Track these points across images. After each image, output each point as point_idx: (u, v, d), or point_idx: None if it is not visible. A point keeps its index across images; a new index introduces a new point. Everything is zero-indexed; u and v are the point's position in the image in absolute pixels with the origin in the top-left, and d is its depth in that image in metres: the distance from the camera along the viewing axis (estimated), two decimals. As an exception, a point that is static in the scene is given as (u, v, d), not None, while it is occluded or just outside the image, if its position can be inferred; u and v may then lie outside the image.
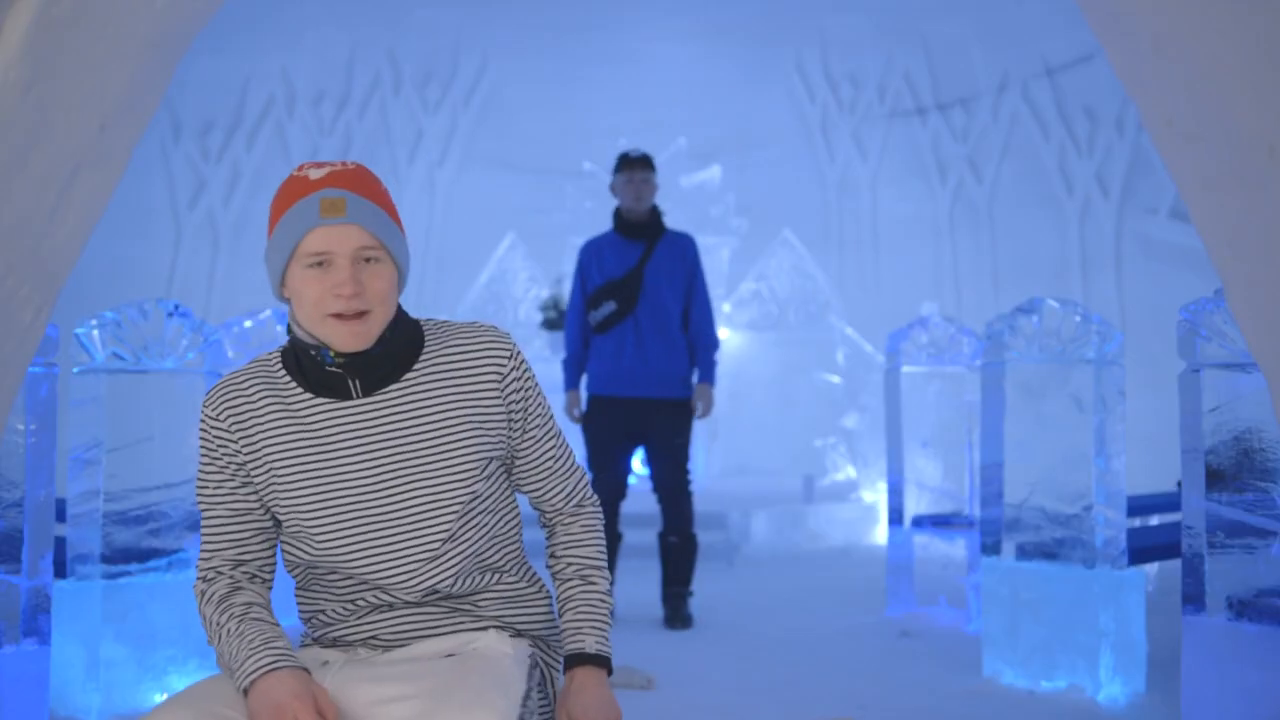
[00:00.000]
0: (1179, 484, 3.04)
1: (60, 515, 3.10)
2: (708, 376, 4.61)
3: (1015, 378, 3.63)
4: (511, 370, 1.65)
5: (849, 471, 8.43)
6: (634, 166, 4.61)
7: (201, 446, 1.65)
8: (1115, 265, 9.40)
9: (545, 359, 8.29)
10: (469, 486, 1.61)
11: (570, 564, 1.74)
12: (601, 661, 1.68)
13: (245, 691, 1.49)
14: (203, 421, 1.64)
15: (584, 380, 4.68)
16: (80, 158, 1.82)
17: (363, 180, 1.59)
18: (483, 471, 1.63)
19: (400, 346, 1.61)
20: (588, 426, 4.60)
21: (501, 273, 9.50)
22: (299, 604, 1.72)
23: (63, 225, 1.85)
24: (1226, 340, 2.87)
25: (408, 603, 1.64)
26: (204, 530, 1.66)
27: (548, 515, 1.79)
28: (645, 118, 10.04)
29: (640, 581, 5.02)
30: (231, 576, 1.64)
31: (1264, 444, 2.82)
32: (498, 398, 1.64)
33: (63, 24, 1.64)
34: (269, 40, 10.00)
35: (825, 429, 8.70)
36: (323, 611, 1.68)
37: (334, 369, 1.58)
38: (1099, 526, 3.42)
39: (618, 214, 4.65)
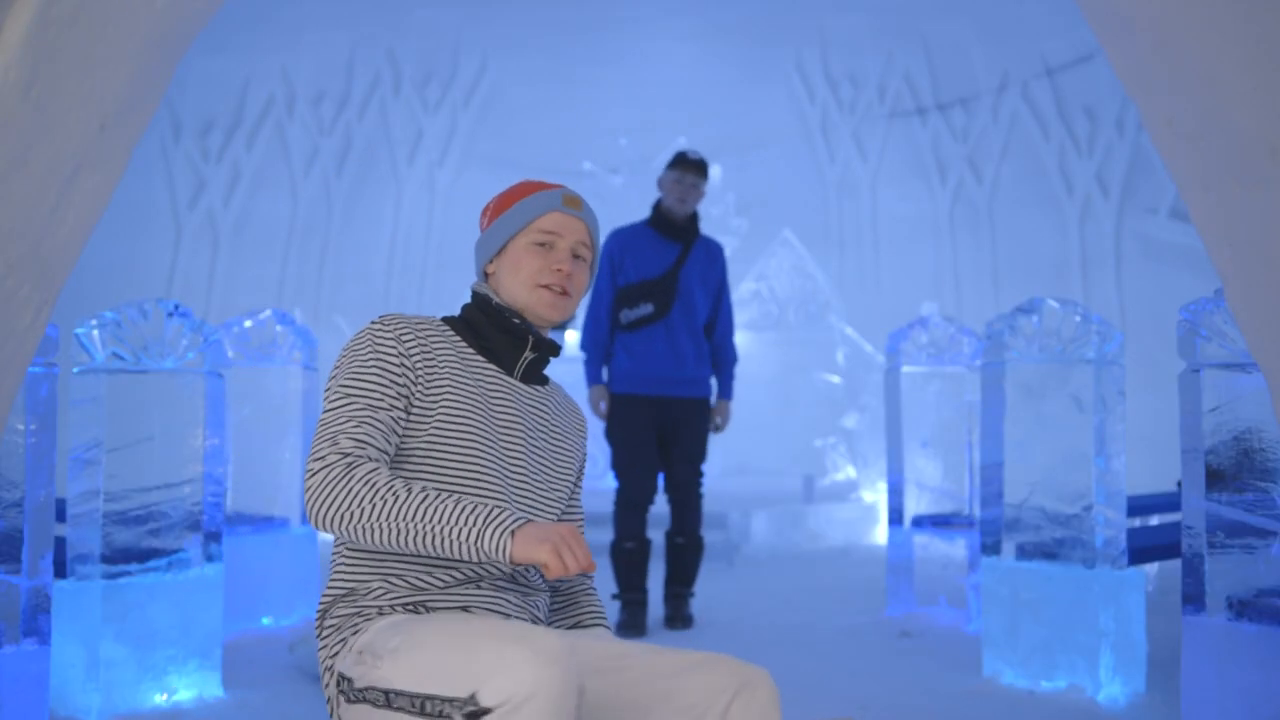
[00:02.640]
0: (1179, 484, 3.04)
1: (60, 515, 3.10)
2: (728, 393, 4.61)
3: (1015, 378, 3.63)
4: (585, 431, 1.96)
5: (849, 471, 8.43)
6: (688, 169, 4.51)
7: (373, 357, 1.68)
8: (1115, 265, 9.40)
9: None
10: (564, 495, 1.85)
11: (602, 629, 1.93)
12: None
13: (512, 533, 1.51)
14: (376, 337, 1.70)
15: (608, 378, 4.53)
16: (80, 158, 1.81)
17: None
18: (565, 501, 1.87)
19: (553, 351, 1.86)
20: (617, 427, 4.46)
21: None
22: (369, 566, 1.69)
23: (63, 225, 1.85)
24: (1226, 340, 2.87)
25: (494, 581, 1.71)
26: (354, 419, 1.63)
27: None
28: (645, 118, 10.04)
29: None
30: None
31: (1264, 444, 2.82)
32: (582, 446, 1.94)
33: (63, 24, 1.64)
34: (269, 40, 9.99)
35: (825, 429, 8.70)
36: (400, 577, 1.66)
37: (534, 336, 1.81)
38: (1099, 526, 3.42)
39: (657, 210, 4.56)
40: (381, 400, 1.66)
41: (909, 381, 4.84)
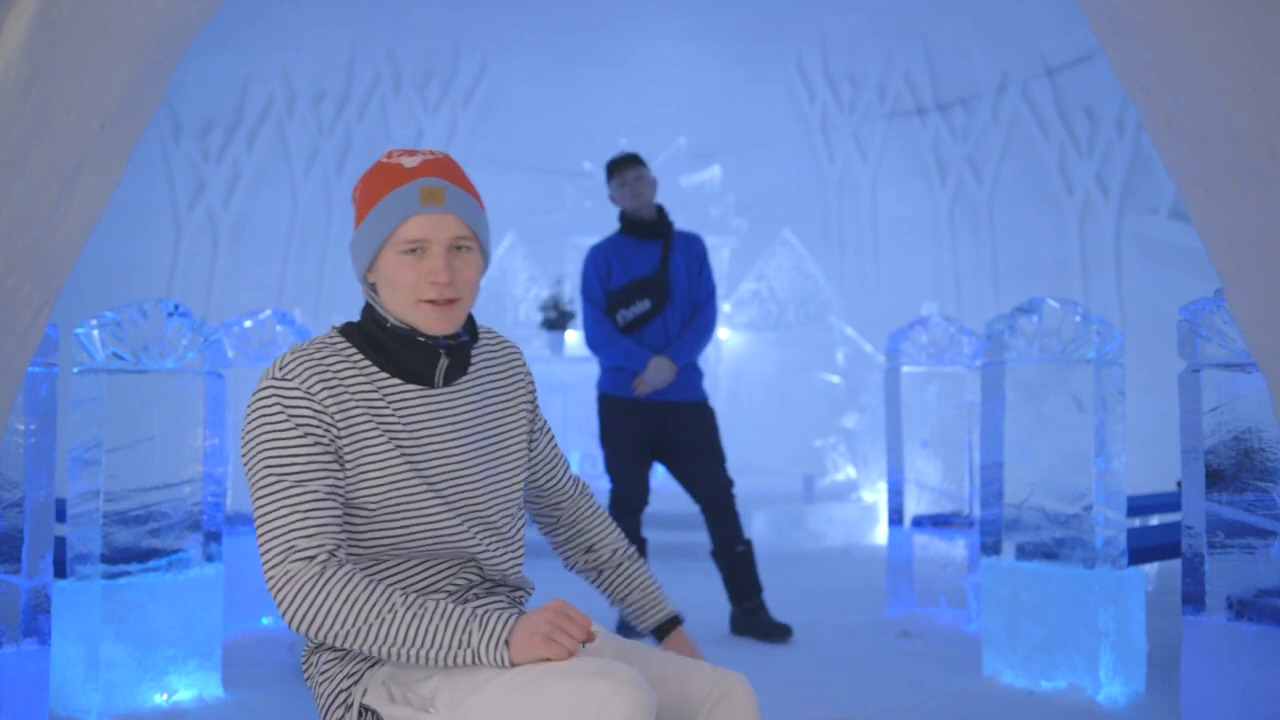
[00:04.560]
0: (1179, 484, 3.04)
1: (60, 515, 3.10)
2: (677, 354, 4.30)
3: (1015, 378, 3.63)
4: (525, 368, 1.81)
5: (849, 471, 8.43)
6: (623, 167, 4.39)
7: (285, 419, 1.53)
8: (1115, 265, 9.39)
9: (545, 359, 8.29)
10: (521, 476, 1.73)
11: (614, 549, 1.91)
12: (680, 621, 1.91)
13: (507, 642, 1.46)
14: (282, 394, 1.54)
15: (599, 378, 4.43)
16: (80, 158, 1.81)
17: (454, 170, 1.65)
18: (526, 463, 1.76)
19: (472, 336, 1.72)
20: (611, 430, 4.36)
21: (501, 273, 9.51)
22: None
23: (63, 225, 1.85)
24: (1226, 340, 2.87)
25: (484, 589, 1.68)
26: (297, 510, 1.51)
27: (563, 505, 1.91)
28: (645, 118, 10.04)
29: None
30: (345, 559, 1.54)
31: (1264, 444, 2.82)
32: (524, 392, 1.78)
33: (63, 24, 1.64)
34: (269, 40, 9.99)
35: (825, 429, 8.69)
36: None
37: (443, 349, 1.64)
38: (1099, 526, 3.42)
39: (624, 218, 4.43)
40: (308, 467, 1.53)
41: (909, 381, 4.84)
